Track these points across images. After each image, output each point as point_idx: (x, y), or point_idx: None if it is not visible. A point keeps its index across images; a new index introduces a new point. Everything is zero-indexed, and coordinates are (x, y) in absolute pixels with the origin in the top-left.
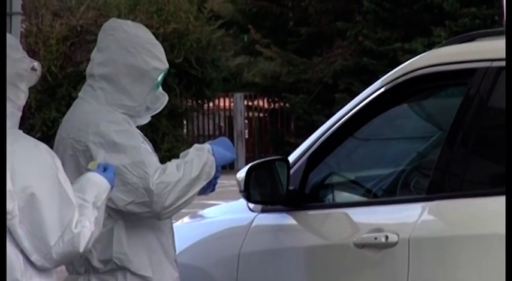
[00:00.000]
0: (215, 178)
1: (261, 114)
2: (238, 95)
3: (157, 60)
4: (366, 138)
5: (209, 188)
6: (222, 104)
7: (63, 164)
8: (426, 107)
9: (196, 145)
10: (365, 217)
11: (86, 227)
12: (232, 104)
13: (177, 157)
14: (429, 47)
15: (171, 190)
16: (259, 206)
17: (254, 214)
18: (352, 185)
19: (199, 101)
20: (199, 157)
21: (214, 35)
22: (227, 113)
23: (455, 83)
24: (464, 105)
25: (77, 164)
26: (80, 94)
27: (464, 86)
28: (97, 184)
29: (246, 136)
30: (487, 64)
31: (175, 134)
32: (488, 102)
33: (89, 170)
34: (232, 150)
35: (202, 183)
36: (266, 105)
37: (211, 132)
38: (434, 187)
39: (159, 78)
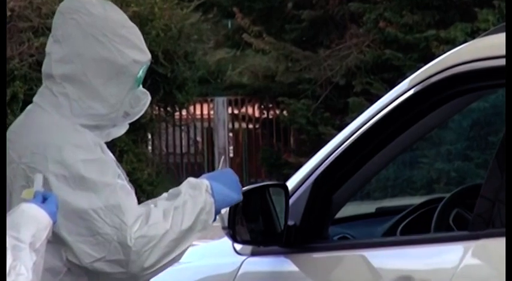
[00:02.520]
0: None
1: (251, 126)
2: (220, 100)
3: (137, 50)
4: (389, 157)
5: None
6: (198, 112)
7: (10, 197)
8: (469, 115)
9: (190, 180)
10: (389, 261)
11: (22, 274)
12: (212, 112)
13: (140, 183)
14: (472, 35)
15: (154, 246)
16: (249, 248)
17: (242, 258)
18: (373, 220)
19: (169, 109)
20: (194, 200)
21: (188, 20)
22: (205, 124)
23: (502, 83)
24: None
25: None
26: (35, 99)
27: None
28: (35, 218)
29: (231, 155)
30: None
31: (137, 152)
32: None
33: (24, 200)
34: (238, 188)
35: (196, 235)
36: (257, 114)
37: (184, 150)
38: (481, 221)
39: (140, 73)
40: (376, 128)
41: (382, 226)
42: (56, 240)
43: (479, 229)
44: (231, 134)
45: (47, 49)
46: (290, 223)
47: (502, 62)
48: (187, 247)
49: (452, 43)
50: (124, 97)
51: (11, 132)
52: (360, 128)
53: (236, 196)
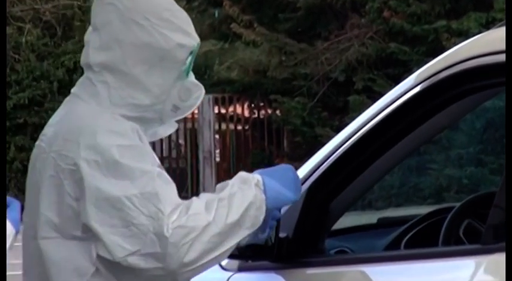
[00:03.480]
0: (264, 228)
1: (239, 127)
2: (206, 98)
3: (182, 34)
4: (393, 162)
5: (264, 229)
6: None
7: (38, 188)
8: (482, 115)
9: (241, 174)
10: (392, 278)
11: None
12: (196, 112)
13: None
14: (487, 26)
15: (194, 239)
16: (235, 263)
17: (228, 274)
18: (374, 231)
19: None
20: (243, 193)
21: None
22: (189, 125)
23: None
24: None
25: (59, 191)
26: (73, 90)
27: None
28: None
29: (217, 159)
30: None
31: None
32: None
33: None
34: (295, 187)
35: (245, 232)
36: (247, 113)
37: (165, 154)
38: (495, 233)
39: (188, 60)
40: (378, 129)
41: (385, 238)
42: (84, 236)
43: (492, 242)
44: (217, 136)
45: (86, 38)
46: (282, 235)
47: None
48: (234, 245)
49: (465, 35)
50: (170, 88)
51: (47, 127)
52: (361, 129)
53: (291, 195)
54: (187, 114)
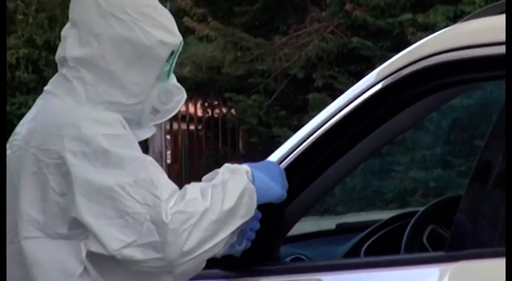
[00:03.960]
0: (242, 240)
1: (192, 126)
2: None
3: (165, 31)
4: (354, 163)
5: (241, 240)
6: None
7: (16, 188)
8: (449, 114)
9: (228, 165)
10: None
11: None
12: None
13: None
14: (455, 20)
15: (194, 225)
16: None
17: None
18: (333, 238)
19: None
20: (235, 181)
21: None
22: None
23: (494, 75)
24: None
25: (43, 188)
26: (47, 88)
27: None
28: None
29: (168, 161)
30: None
31: None
32: None
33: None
34: (282, 182)
35: (239, 222)
36: (200, 113)
37: None
38: (460, 239)
39: (171, 59)
40: (338, 128)
41: (344, 245)
42: (71, 234)
43: (458, 249)
44: (168, 137)
45: (63, 33)
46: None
47: (488, 50)
48: (230, 235)
49: (432, 29)
50: (150, 88)
51: (19, 126)
52: (319, 128)
53: (279, 190)
54: (167, 119)
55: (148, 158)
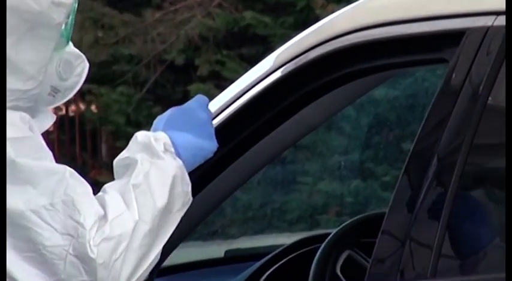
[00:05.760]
0: None
1: None
2: None
3: None
4: (246, 173)
5: None
6: None
7: None
8: (368, 109)
9: (139, 139)
10: None
11: None
12: None
13: None
14: None
15: (126, 249)
16: None
17: None
18: (220, 268)
19: None
20: (158, 169)
21: None
22: None
23: (427, 59)
24: (441, 101)
25: None
26: None
27: (442, 65)
28: None
29: None
30: (487, 21)
31: None
32: (490, 95)
33: None
34: (208, 131)
35: (178, 216)
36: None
37: None
38: (383, 269)
39: (68, 24)
40: (225, 128)
41: (234, 277)
42: None
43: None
44: None
45: None
46: None
47: (421, 27)
48: (167, 238)
49: (347, 1)
50: (47, 63)
51: None
52: None
53: (208, 145)
54: (69, 98)
55: (66, 169)
